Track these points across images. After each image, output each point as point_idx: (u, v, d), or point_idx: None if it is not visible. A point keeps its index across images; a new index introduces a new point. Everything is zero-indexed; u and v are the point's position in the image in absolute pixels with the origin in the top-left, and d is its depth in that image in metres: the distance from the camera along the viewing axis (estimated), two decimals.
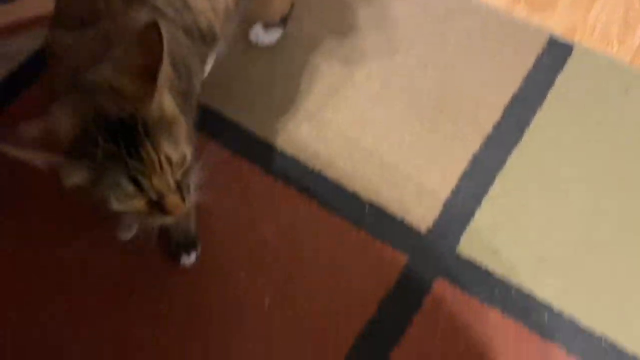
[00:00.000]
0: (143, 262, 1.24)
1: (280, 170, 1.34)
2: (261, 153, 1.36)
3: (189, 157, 0.82)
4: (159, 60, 0.74)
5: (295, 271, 1.24)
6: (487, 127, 1.38)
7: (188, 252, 1.22)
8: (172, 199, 0.80)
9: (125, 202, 0.79)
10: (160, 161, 0.77)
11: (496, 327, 1.18)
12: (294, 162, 1.35)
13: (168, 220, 0.84)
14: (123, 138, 0.74)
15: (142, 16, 0.92)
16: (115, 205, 0.79)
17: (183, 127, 0.82)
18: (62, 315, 1.18)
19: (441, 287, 1.21)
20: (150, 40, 0.75)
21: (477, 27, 1.52)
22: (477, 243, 1.25)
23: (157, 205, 0.81)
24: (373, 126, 1.39)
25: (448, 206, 1.29)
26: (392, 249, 1.25)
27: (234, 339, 1.17)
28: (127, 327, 1.17)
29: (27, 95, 1.40)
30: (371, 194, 1.31)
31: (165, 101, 0.79)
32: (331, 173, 1.33)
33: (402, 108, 1.41)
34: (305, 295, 1.21)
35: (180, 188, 0.82)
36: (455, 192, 1.31)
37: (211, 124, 1.38)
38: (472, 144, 1.36)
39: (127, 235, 1.23)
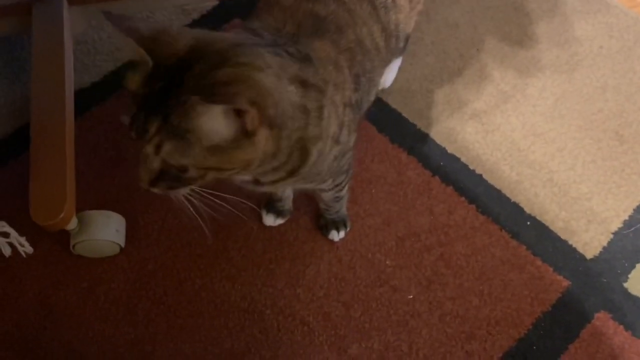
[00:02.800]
0: (293, 233, 1.21)
1: (439, 167, 1.28)
2: (421, 146, 1.31)
3: (194, 174, 0.72)
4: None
5: (443, 272, 1.17)
6: None
7: (338, 230, 1.19)
8: (141, 170, 0.72)
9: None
10: (150, 139, 0.69)
11: None
12: (455, 162, 1.29)
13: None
14: (164, 95, 0.68)
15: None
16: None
17: (229, 162, 0.72)
18: (219, 277, 1.17)
19: (603, 321, 1.12)
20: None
21: None
22: None
23: None
24: (544, 141, 1.31)
25: (618, 237, 1.20)
26: (553, 270, 1.16)
27: (373, 317, 1.13)
28: (272, 285, 1.15)
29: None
30: (535, 209, 1.23)
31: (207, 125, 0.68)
32: (493, 179, 1.27)
33: (577, 129, 1.33)
34: (452, 298, 1.15)
35: (162, 177, 0.72)
36: (628, 224, 1.21)
37: (372, 111, 1.35)
38: None
39: (272, 222, 1.21)
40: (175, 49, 0.70)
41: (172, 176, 0.73)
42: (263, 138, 0.71)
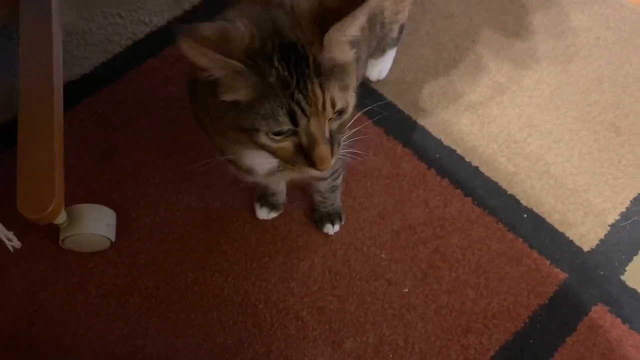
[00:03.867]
0: (286, 226, 1.20)
1: (434, 160, 1.27)
2: (416, 138, 1.29)
3: (350, 108, 0.75)
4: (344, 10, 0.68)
5: (439, 265, 1.16)
6: None
7: (333, 223, 1.18)
8: (322, 149, 0.72)
9: (274, 138, 0.71)
10: (324, 102, 0.69)
11: None
12: (451, 154, 1.28)
13: (310, 173, 0.76)
14: (294, 66, 0.68)
15: None
16: (263, 139, 0.71)
17: (353, 75, 0.75)
18: (212, 271, 1.16)
19: (600, 314, 1.11)
20: None
21: None
22: None
23: (304, 153, 0.73)
24: (540, 133, 1.30)
25: (615, 230, 1.19)
26: (550, 262, 1.15)
27: (368, 311, 1.12)
28: (265, 279, 1.14)
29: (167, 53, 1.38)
30: (531, 201, 1.22)
31: (340, 49, 0.72)
32: (490, 171, 1.25)
33: (573, 120, 1.32)
34: (448, 291, 1.13)
35: (332, 140, 0.74)
36: (625, 216, 1.20)
37: (367, 102, 1.33)
38: None
39: (265, 215, 1.19)
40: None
41: (335, 130, 0.75)
42: None
